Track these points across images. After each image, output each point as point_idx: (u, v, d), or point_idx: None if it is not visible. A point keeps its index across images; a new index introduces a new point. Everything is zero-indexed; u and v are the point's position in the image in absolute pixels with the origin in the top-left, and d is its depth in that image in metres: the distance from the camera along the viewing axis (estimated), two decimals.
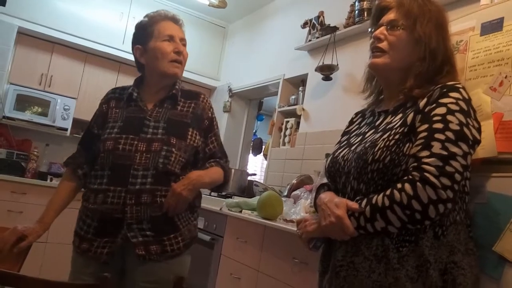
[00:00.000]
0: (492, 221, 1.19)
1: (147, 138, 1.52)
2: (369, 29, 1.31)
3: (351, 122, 1.42)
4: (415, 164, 1.04)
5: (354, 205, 1.09)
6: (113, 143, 1.52)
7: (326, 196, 1.19)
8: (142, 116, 1.57)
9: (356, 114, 1.43)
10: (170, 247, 1.51)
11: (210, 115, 1.70)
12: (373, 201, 1.06)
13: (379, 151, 1.09)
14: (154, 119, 1.57)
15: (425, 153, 1.03)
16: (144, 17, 1.67)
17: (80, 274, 1.50)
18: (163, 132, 1.54)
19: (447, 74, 1.16)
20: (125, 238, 1.46)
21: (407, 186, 1.02)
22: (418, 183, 1.00)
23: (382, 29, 1.22)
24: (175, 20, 1.67)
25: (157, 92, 1.64)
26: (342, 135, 1.39)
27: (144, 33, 1.62)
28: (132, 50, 1.67)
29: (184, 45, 1.65)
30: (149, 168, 1.49)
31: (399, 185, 1.03)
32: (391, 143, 1.09)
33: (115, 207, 1.46)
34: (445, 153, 1.01)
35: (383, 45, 1.20)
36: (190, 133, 1.59)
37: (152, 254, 1.48)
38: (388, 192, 1.04)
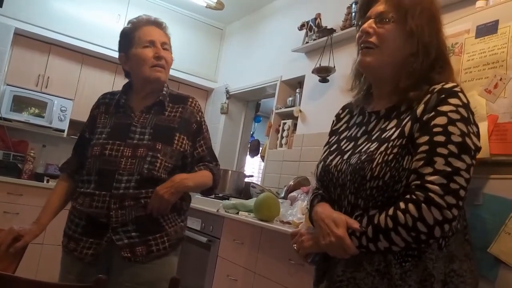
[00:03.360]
0: (487, 223, 1.19)
1: (133, 144, 1.53)
2: (356, 23, 1.23)
3: (338, 119, 1.34)
4: (418, 182, 0.98)
5: (355, 224, 1.03)
6: (100, 149, 1.53)
7: (322, 210, 1.13)
8: (128, 122, 1.58)
9: (343, 109, 1.35)
10: (155, 247, 1.50)
11: (198, 118, 1.68)
12: (375, 221, 1.00)
13: (378, 167, 1.02)
14: (141, 125, 1.57)
15: (428, 169, 0.97)
16: (128, 23, 1.67)
17: (67, 273, 1.51)
18: (149, 138, 1.54)
19: (442, 70, 1.10)
20: (110, 241, 1.46)
21: (411, 207, 0.96)
22: (423, 205, 0.95)
23: (371, 22, 1.12)
24: (157, 24, 1.66)
25: (145, 98, 1.64)
26: (330, 135, 1.32)
27: (126, 40, 1.63)
28: (118, 57, 1.68)
29: (167, 49, 1.63)
30: (133, 173, 1.49)
31: (402, 205, 0.97)
32: (390, 158, 1.02)
33: (100, 211, 1.47)
34: (449, 169, 0.96)
35: (373, 39, 1.11)
36: (176, 138, 1.58)
37: (138, 256, 1.47)
38: (391, 212, 0.99)
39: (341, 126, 1.30)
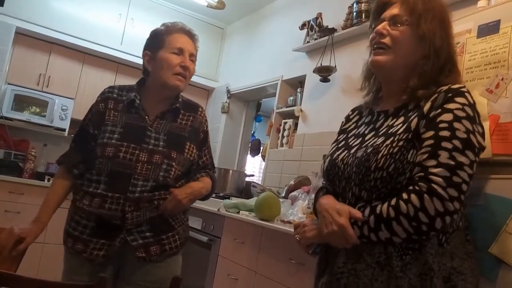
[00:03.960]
0: (488, 223, 1.19)
1: (149, 149, 1.53)
2: (370, 24, 1.26)
3: (348, 119, 1.37)
4: (422, 174, 1.00)
5: (357, 213, 1.06)
6: (114, 150, 1.51)
7: (327, 201, 1.15)
8: (143, 125, 1.57)
9: (353, 110, 1.38)
10: (168, 246, 1.54)
11: (205, 128, 1.73)
12: (378, 211, 1.03)
13: (383, 159, 1.05)
14: (155, 130, 1.57)
15: (431, 162, 1.00)
16: (161, 25, 1.68)
17: (74, 274, 1.50)
18: (164, 144, 1.55)
19: (450, 74, 1.13)
20: (123, 242, 1.47)
21: (414, 197, 0.98)
22: (425, 195, 0.97)
23: (385, 24, 1.16)
24: (190, 34, 1.67)
25: (159, 102, 1.64)
26: (339, 134, 1.35)
27: (156, 41, 1.63)
28: (142, 54, 1.67)
29: (193, 61, 1.65)
30: (149, 180, 1.50)
31: (405, 196, 1.00)
32: (395, 150, 1.05)
33: (114, 213, 1.46)
34: (452, 163, 0.98)
35: (386, 40, 1.15)
36: (187, 147, 1.61)
37: (152, 255, 1.50)
38: (393, 202, 1.01)
39: (350, 126, 1.34)
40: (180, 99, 1.68)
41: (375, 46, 1.18)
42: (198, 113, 1.71)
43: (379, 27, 1.17)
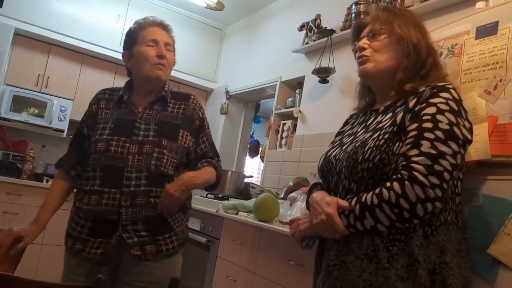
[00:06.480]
0: (486, 224, 1.20)
1: (139, 140, 1.54)
2: (352, 46, 1.35)
3: (346, 123, 1.45)
4: (404, 162, 1.05)
5: (344, 203, 1.11)
6: (105, 145, 1.53)
7: (318, 195, 1.21)
8: (132, 118, 1.59)
9: (351, 116, 1.45)
10: (165, 247, 1.53)
11: (200, 115, 1.70)
12: (363, 199, 1.08)
13: (369, 151, 1.11)
14: (145, 122, 1.58)
15: (414, 151, 1.04)
16: (134, 23, 1.69)
17: (72, 274, 1.51)
18: (154, 134, 1.56)
19: (432, 68, 1.20)
20: (119, 239, 1.47)
21: (396, 184, 1.03)
22: (406, 182, 1.02)
23: (364, 39, 1.26)
24: (162, 26, 1.68)
25: (146, 96, 1.65)
26: (336, 135, 1.42)
27: (131, 38, 1.65)
28: (122, 55, 1.69)
29: (169, 50, 1.65)
30: (142, 170, 1.50)
31: (388, 184, 1.05)
32: (380, 143, 1.11)
33: (110, 208, 1.47)
34: (434, 152, 1.02)
35: (368, 52, 1.24)
36: (181, 134, 1.61)
37: (148, 254, 1.49)
38: (377, 190, 1.06)
39: (346, 128, 1.40)
40: (166, 89, 1.68)
41: (359, 60, 1.27)
42: (190, 101, 1.69)
43: (360, 43, 1.27)
